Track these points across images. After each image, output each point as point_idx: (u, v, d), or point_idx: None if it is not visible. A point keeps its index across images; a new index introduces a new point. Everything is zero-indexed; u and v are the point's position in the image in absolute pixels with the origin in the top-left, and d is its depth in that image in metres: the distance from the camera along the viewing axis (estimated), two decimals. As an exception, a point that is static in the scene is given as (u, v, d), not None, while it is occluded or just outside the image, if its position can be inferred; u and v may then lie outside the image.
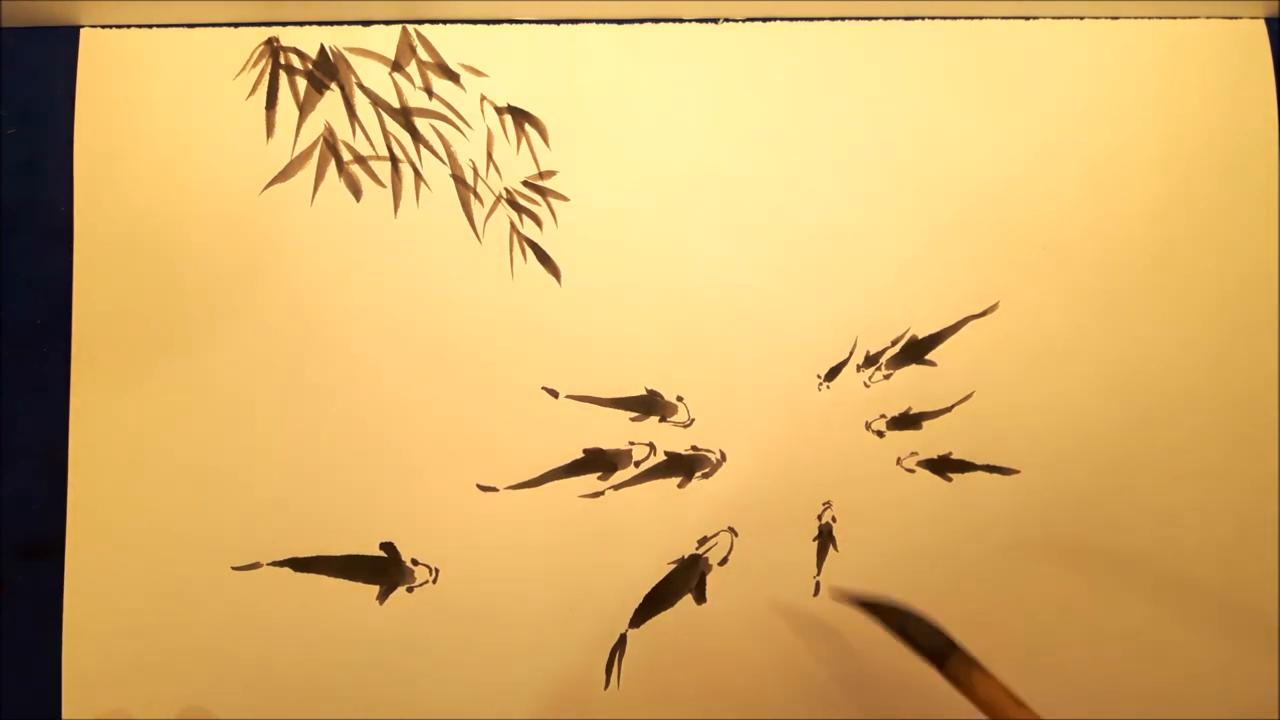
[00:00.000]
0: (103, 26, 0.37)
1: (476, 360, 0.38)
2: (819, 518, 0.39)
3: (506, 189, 0.38)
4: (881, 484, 0.39)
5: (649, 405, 0.38)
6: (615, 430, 0.38)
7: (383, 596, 0.37)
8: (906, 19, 0.40)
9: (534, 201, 0.38)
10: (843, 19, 0.39)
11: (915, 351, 0.39)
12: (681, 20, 0.39)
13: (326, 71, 0.38)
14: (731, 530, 0.38)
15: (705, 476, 0.38)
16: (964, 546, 0.39)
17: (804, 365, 0.39)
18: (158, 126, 0.37)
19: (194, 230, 0.37)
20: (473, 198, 0.38)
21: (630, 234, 0.38)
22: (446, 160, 0.38)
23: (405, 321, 0.37)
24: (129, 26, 0.37)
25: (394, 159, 0.38)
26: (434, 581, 0.37)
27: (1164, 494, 0.40)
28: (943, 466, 0.39)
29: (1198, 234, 0.40)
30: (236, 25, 0.37)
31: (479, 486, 0.38)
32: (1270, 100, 0.41)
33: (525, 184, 0.38)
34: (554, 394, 0.38)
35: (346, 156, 0.38)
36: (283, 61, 0.38)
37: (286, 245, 0.37)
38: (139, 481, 0.36)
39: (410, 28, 0.38)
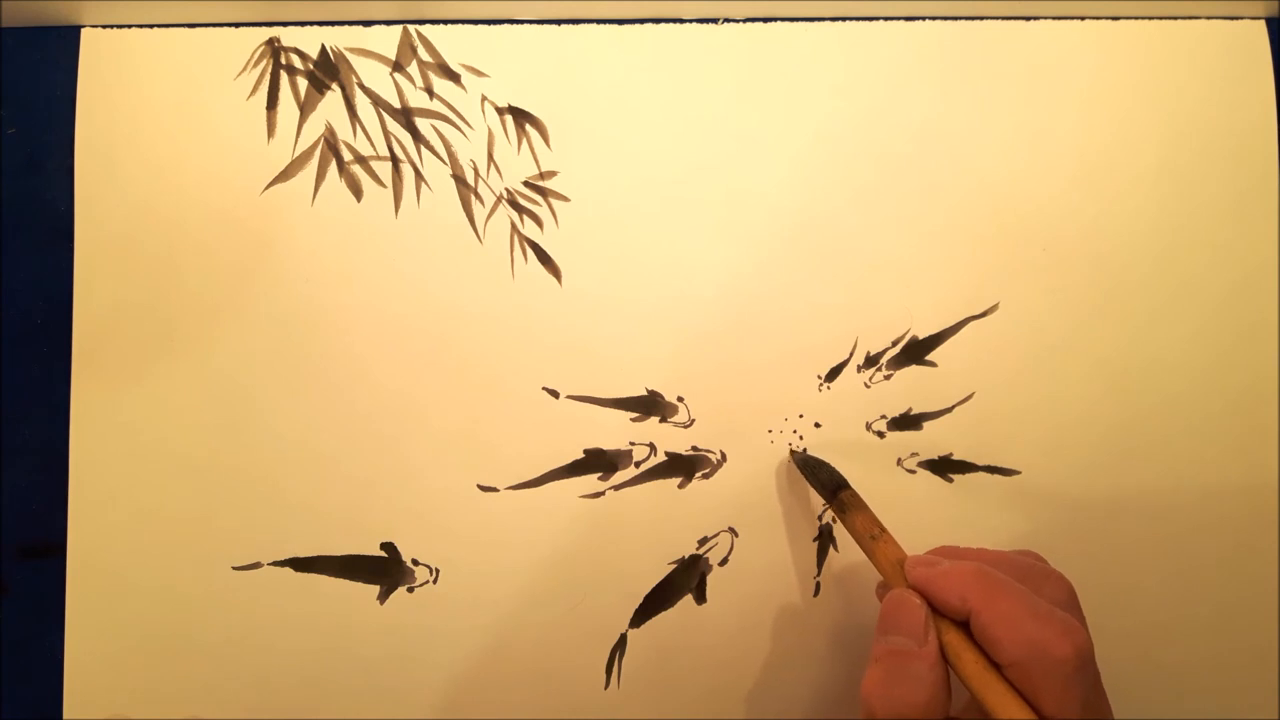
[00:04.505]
0: (103, 26, 0.37)
1: (476, 360, 0.38)
2: (819, 518, 0.39)
3: (507, 189, 0.38)
4: (882, 485, 0.39)
5: (649, 405, 0.38)
6: (615, 430, 0.38)
7: (383, 596, 0.37)
8: (907, 19, 0.40)
9: (534, 202, 0.38)
10: (843, 19, 0.39)
11: (915, 352, 0.39)
12: (681, 20, 0.39)
13: (327, 72, 0.38)
14: (731, 530, 0.38)
15: (705, 477, 0.38)
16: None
17: (804, 365, 0.39)
18: (158, 126, 0.37)
19: (194, 230, 0.37)
20: (473, 198, 0.38)
21: (630, 234, 0.38)
22: (447, 160, 0.38)
23: (405, 321, 0.37)
24: (129, 26, 0.37)
25: (395, 159, 0.38)
26: (434, 581, 0.37)
27: (1163, 494, 0.40)
28: (943, 467, 0.39)
29: (1197, 234, 0.40)
30: (237, 25, 0.37)
31: (479, 486, 0.38)
32: (1270, 100, 0.41)
33: (526, 184, 0.38)
34: (554, 394, 0.38)
35: (347, 157, 0.38)
36: (283, 62, 0.38)
37: (287, 245, 0.37)
38: (139, 481, 0.36)
39: (411, 28, 0.38)
